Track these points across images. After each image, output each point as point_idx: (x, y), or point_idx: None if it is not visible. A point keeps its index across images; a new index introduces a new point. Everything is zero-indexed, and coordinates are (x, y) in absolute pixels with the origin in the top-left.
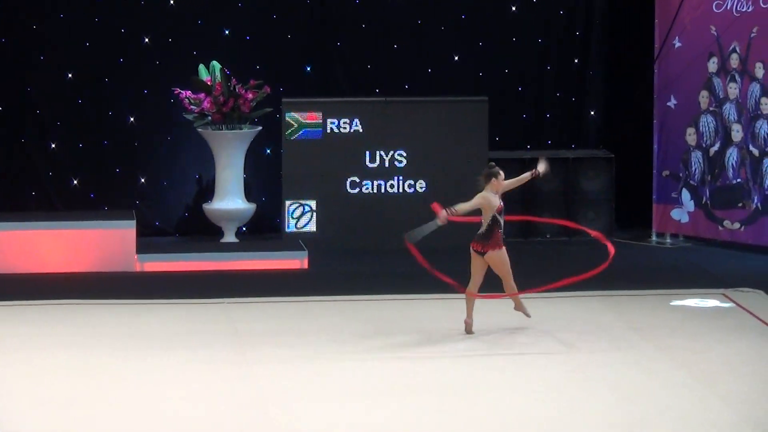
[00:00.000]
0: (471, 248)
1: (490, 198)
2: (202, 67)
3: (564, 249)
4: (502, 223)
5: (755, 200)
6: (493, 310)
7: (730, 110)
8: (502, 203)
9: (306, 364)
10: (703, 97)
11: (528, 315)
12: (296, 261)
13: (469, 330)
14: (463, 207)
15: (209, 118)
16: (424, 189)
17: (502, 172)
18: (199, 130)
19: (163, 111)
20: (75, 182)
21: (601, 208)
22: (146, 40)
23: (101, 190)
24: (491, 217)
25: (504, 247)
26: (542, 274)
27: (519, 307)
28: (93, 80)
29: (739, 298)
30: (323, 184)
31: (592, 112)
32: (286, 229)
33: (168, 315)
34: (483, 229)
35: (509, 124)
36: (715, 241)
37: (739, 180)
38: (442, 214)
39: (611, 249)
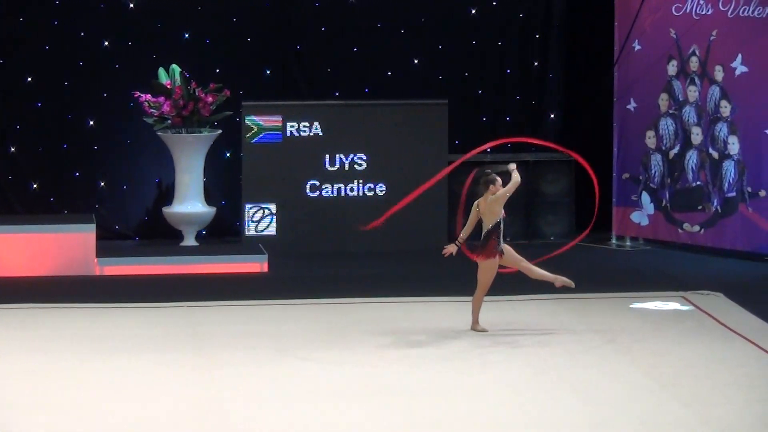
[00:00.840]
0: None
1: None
2: (161, 71)
3: (524, 252)
4: (502, 231)
5: (715, 203)
6: (455, 314)
7: (689, 113)
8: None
9: (266, 367)
10: (663, 99)
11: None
12: (256, 264)
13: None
14: (465, 231)
15: (169, 121)
16: (384, 192)
17: (498, 178)
18: (159, 133)
19: (123, 114)
20: (35, 186)
21: (560, 210)
22: (106, 43)
23: (61, 194)
24: (493, 223)
25: (497, 258)
26: (504, 277)
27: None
28: (52, 84)
29: (699, 301)
30: (283, 188)
31: (552, 115)
32: (246, 233)
33: (128, 319)
34: (482, 235)
35: (469, 126)
36: (674, 244)
37: (698, 183)
38: (451, 250)
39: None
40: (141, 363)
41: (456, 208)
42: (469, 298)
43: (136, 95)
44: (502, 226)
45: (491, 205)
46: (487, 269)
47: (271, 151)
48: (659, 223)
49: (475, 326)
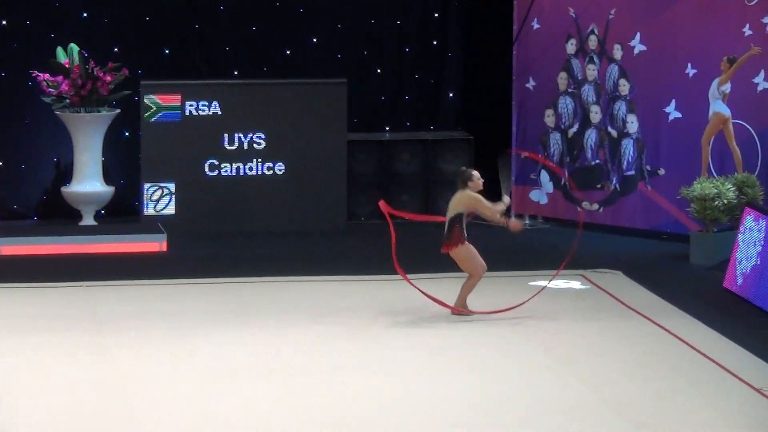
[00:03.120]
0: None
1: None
2: (60, 50)
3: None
4: (464, 222)
5: (614, 181)
6: (352, 293)
7: (588, 92)
8: None
9: (164, 346)
10: (562, 78)
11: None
12: (155, 244)
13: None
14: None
15: (67, 100)
16: (282, 171)
17: (475, 172)
18: (57, 113)
19: (21, 94)
20: None
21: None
22: (3, 22)
23: None
24: (455, 215)
25: (466, 243)
26: (403, 256)
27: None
28: None
29: (598, 279)
30: (182, 167)
31: (451, 94)
32: (145, 212)
33: (26, 298)
34: (445, 228)
35: (368, 105)
36: (574, 222)
37: (597, 161)
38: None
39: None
40: (38, 343)
41: (355, 187)
42: (367, 277)
43: (34, 74)
44: (463, 219)
45: (465, 200)
46: (464, 257)
47: (170, 130)
48: (558, 202)
49: (459, 308)
